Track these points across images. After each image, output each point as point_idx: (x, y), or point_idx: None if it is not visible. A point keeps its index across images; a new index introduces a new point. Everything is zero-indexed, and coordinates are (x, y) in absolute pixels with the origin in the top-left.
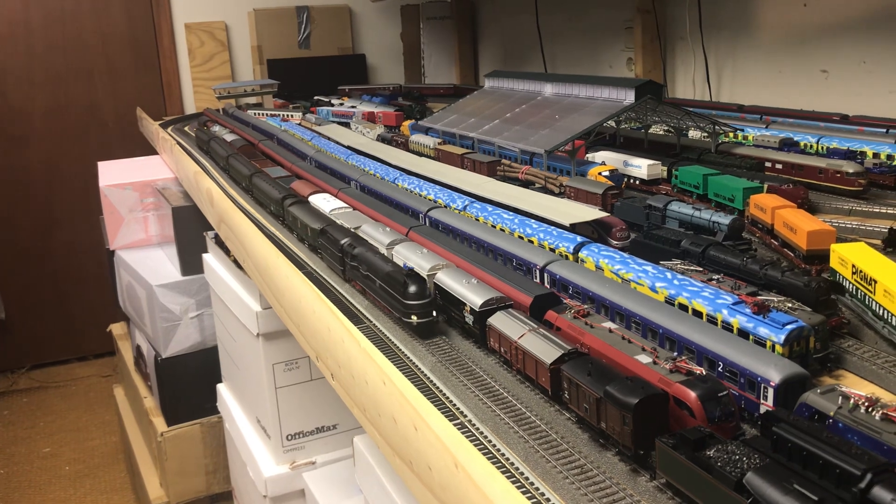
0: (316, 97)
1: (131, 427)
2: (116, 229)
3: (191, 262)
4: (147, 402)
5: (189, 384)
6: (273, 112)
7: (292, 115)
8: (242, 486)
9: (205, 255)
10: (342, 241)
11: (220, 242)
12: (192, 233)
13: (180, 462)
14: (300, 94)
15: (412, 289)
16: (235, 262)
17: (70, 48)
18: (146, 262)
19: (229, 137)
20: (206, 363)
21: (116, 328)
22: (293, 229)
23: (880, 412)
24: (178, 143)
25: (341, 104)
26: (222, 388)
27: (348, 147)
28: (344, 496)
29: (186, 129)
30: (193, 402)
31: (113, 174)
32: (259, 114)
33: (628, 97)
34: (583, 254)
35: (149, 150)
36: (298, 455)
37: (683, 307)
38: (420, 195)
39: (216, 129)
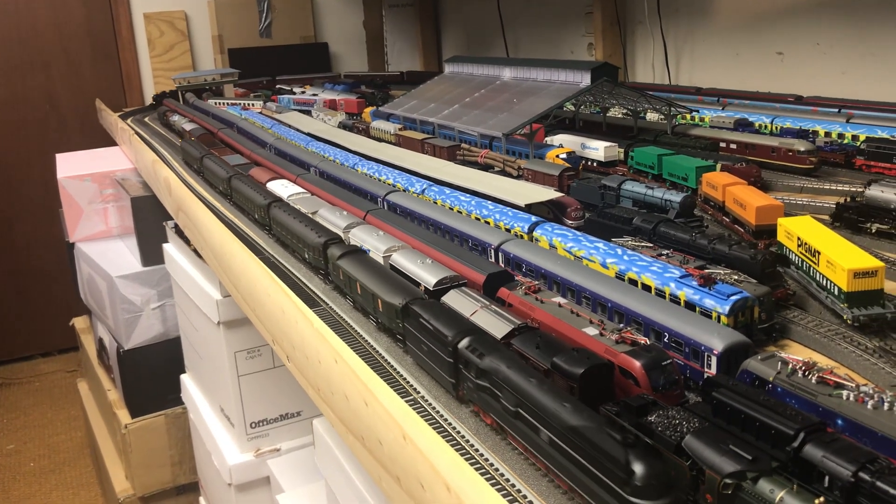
0: (277, 85)
1: (96, 421)
2: (76, 221)
3: (151, 253)
4: (111, 395)
5: (152, 375)
6: (233, 101)
7: (253, 104)
8: (208, 475)
9: (165, 245)
10: (457, 341)
11: (179, 232)
12: (151, 223)
13: (145, 454)
14: (262, 83)
15: (641, 471)
16: (195, 251)
17: (26, 39)
18: (106, 253)
19: (188, 126)
20: (170, 354)
21: (79, 322)
22: (346, 291)
23: (816, 376)
24: (137, 133)
25: (303, 92)
26: (186, 379)
27: (308, 134)
28: (309, 481)
29: (147, 119)
30: (157, 393)
31: (71, 166)
32: (219, 103)
33: (584, 80)
34: (537, 233)
35: (109, 141)
36: (263, 442)
37: (633, 282)
38: (379, 180)
39: (175, 118)
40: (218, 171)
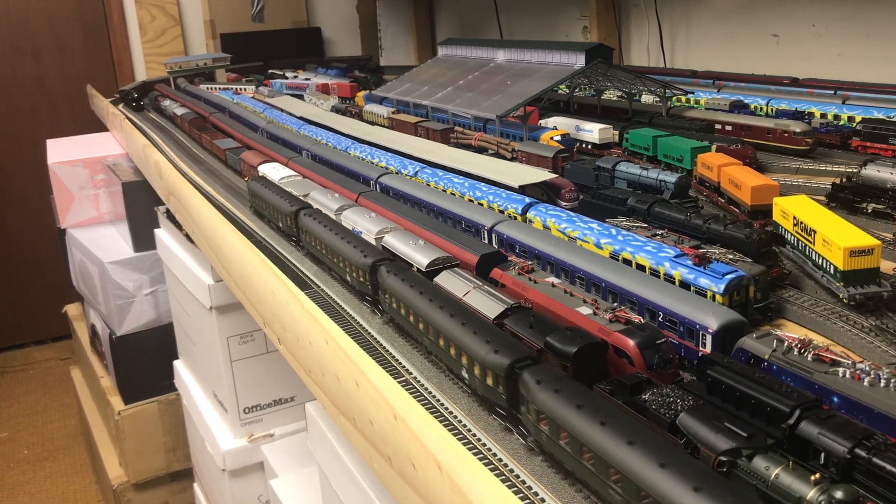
0: (270, 70)
1: (89, 408)
2: (67, 207)
3: (143, 238)
4: (104, 382)
5: (145, 362)
6: (225, 86)
7: (245, 89)
8: (202, 461)
9: (157, 231)
10: None
11: (171, 217)
12: (143, 208)
13: (139, 440)
14: (255, 68)
15: None
16: (187, 236)
17: (16, 26)
18: (98, 239)
19: (180, 111)
20: (162, 340)
21: (72, 309)
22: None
23: (812, 353)
24: (127, 118)
25: (295, 77)
26: (179, 365)
27: (301, 118)
28: (303, 466)
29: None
30: (150, 379)
31: (62, 151)
32: (211, 88)
33: (579, 61)
34: (531, 214)
35: (100, 127)
36: (256, 428)
37: (627, 262)
38: (371, 162)
39: (167, 103)
40: (357, 259)
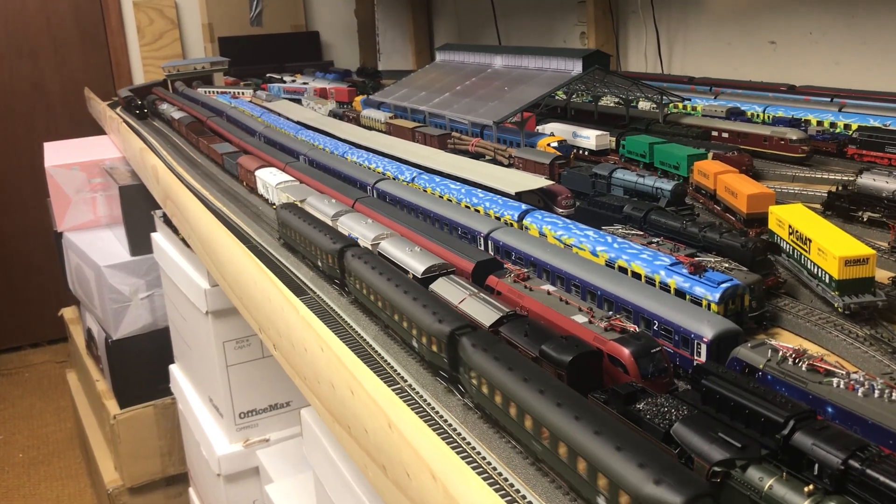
0: (268, 74)
1: (85, 412)
2: (64, 211)
3: (140, 242)
4: (99, 386)
5: (141, 366)
6: (223, 89)
7: (243, 93)
8: (197, 466)
9: (153, 235)
10: None
11: (168, 221)
12: (140, 212)
13: (134, 445)
14: (252, 71)
15: None
16: (184, 240)
17: (12, 27)
18: (95, 243)
19: (177, 115)
20: (158, 344)
21: (68, 312)
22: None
23: (806, 363)
24: (125, 121)
25: (293, 81)
26: (175, 369)
27: (298, 122)
28: (298, 472)
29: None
30: (146, 383)
31: (59, 154)
32: (209, 91)
33: (576, 67)
34: (527, 221)
35: (98, 130)
36: (252, 433)
37: (623, 270)
38: (369, 168)
39: (164, 107)
40: (428, 324)
